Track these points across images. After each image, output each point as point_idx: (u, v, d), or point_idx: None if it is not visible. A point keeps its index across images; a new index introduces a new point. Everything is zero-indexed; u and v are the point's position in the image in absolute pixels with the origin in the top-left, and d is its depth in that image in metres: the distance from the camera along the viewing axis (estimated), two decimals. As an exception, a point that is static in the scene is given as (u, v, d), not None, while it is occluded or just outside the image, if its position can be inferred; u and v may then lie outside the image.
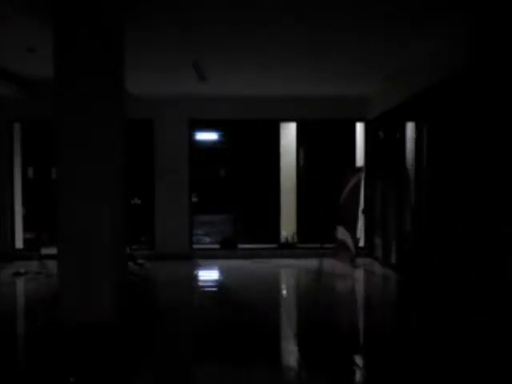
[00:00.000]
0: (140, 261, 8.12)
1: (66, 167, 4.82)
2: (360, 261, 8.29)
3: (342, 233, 8.53)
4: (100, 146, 4.80)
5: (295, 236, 9.56)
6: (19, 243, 9.18)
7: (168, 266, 8.41)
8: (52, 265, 6.82)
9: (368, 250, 9.06)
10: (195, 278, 7.83)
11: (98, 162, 4.80)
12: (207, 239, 11.43)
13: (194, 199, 9.67)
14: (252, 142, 10.00)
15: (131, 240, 7.76)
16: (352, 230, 8.21)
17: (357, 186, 8.36)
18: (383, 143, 8.51)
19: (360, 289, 7.44)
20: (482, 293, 4.37)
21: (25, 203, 9.33)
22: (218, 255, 9.24)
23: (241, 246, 9.53)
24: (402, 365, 4.04)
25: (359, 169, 8.69)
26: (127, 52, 5.24)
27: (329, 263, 8.35)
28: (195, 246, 9.56)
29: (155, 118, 9.10)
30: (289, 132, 9.66)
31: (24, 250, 9.08)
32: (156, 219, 9.16)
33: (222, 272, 8.21)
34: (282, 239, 9.55)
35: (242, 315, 5.41)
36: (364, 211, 8.81)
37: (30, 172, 9.75)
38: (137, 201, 9.74)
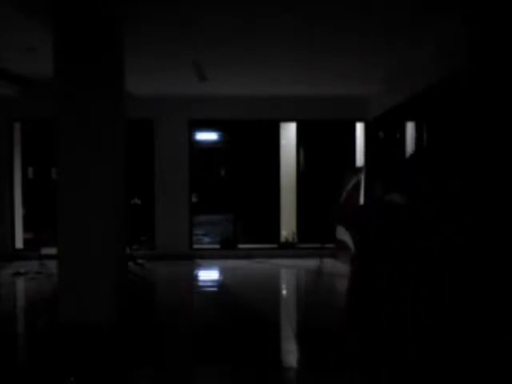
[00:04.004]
0: (140, 261, 8.12)
1: (66, 167, 4.83)
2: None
3: (341, 232, 8.53)
4: (100, 145, 4.81)
5: (295, 236, 9.56)
6: (19, 243, 9.18)
7: (168, 266, 8.42)
8: (52, 265, 6.83)
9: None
10: (195, 278, 7.84)
11: (98, 162, 4.81)
12: (207, 239, 11.44)
13: (194, 199, 9.67)
14: (252, 141, 10.00)
15: (131, 240, 7.77)
16: (352, 229, 8.20)
17: (357, 186, 8.36)
18: (383, 143, 8.51)
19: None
20: None
21: (25, 203, 9.33)
22: (217, 255, 9.24)
23: (241, 245, 9.53)
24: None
25: (359, 169, 8.69)
26: (127, 52, 5.24)
27: (329, 263, 8.36)
28: (195, 246, 9.56)
29: (155, 118, 9.10)
30: (289, 132, 9.66)
31: (24, 250, 9.09)
32: (156, 219, 9.16)
33: (221, 272, 8.22)
34: (282, 239, 9.55)
35: (242, 316, 5.42)
36: (364, 211, 8.80)
37: (30, 172, 9.76)
38: (137, 201, 9.74)
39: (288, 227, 9.60)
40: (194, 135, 9.71)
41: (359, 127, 9.56)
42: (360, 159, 9.46)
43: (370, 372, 1.96)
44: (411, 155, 6.95)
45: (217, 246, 9.75)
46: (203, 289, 7.34)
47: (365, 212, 2.00)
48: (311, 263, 8.45)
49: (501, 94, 4.54)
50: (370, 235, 1.98)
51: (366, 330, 1.85)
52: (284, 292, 7.19)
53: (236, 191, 9.77)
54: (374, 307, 1.82)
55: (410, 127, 7.06)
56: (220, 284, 7.53)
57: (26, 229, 9.38)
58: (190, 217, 9.28)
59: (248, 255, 9.15)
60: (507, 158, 4.45)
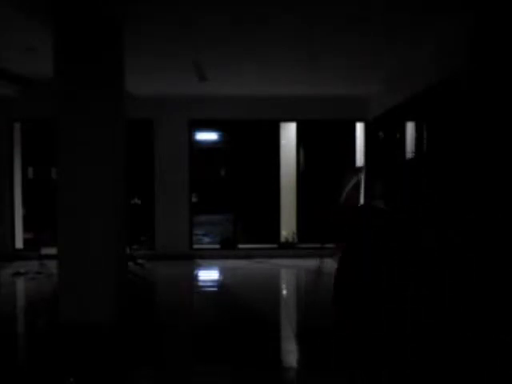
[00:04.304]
0: (140, 261, 8.13)
1: (66, 167, 4.83)
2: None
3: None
4: (100, 145, 4.81)
5: (295, 236, 9.56)
6: (19, 243, 9.18)
7: (168, 266, 8.42)
8: (52, 265, 6.83)
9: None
10: (195, 278, 7.84)
11: (98, 162, 4.81)
12: (207, 239, 11.44)
13: (194, 199, 9.67)
14: (252, 141, 10.00)
15: (131, 240, 7.77)
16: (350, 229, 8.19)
17: (356, 186, 8.37)
18: (383, 143, 8.51)
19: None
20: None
21: (25, 203, 9.33)
22: (217, 255, 9.24)
23: (241, 245, 9.53)
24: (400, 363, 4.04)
25: (359, 169, 8.69)
26: (127, 52, 5.24)
27: (329, 263, 8.35)
28: (195, 246, 9.56)
29: (155, 118, 9.10)
30: (289, 132, 9.66)
31: (24, 250, 9.09)
32: (156, 219, 9.16)
33: (221, 272, 8.22)
34: (282, 239, 9.55)
35: (242, 316, 5.42)
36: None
37: (30, 172, 9.76)
38: (137, 201, 9.74)
39: (288, 227, 9.60)
40: (193, 135, 9.71)
41: (359, 127, 9.56)
42: (360, 159, 9.46)
43: (370, 372, 1.96)
44: (411, 159, 6.94)
45: (217, 246, 9.75)
46: (203, 289, 7.33)
47: (363, 213, 1.97)
48: (311, 263, 8.45)
49: (501, 93, 4.54)
50: (370, 235, 1.97)
51: (363, 329, 1.84)
52: (284, 292, 7.19)
53: (236, 191, 9.77)
54: (374, 307, 1.81)
55: (410, 127, 7.06)
56: (220, 284, 7.53)
57: (26, 229, 9.38)
58: (190, 217, 9.28)
59: (248, 255, 9.15)
60: (507, 158, 4.45)
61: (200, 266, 8.55)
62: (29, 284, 7.03)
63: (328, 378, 3.75)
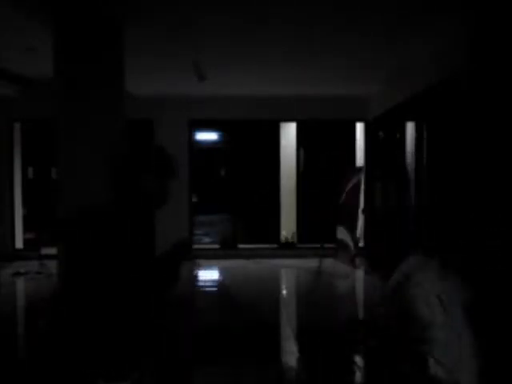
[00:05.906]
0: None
1: (66, 167, 4.82)
2: (360, 261, 8.30)
3: (342, 233, 8.54)
4: (100, 145, 4.80)
5: (295, 236, 9.55)
6: (19, 243, 9.18)
7: (168, 266, 8.40)
8: (52, 265, 6.83)
9: (368, 250, 9.05)
10: (195, 278, 7.84)
11: (97, 162, 4.80)
12: (207, 239, 11.43)
13: (194, 199, 9.67)
14: (252, 142, 10.00)
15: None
16: (352, 230, 8.21)
17: (357, 186, 8.36)
18: (383, 143, 8.51)
19: (360, 289, 7.45)
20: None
21: (25, 203, 9.33)
22: (217, 255, 9.24)
23: (241, 245, 9.53)
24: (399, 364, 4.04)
25: (359, 169, 8.70)
26: (127, 52, 5.24)
27: (329, 263, 8.35)
28: (195, 246, 9.55)
29: (155, 118, 9.10)
30: (289, 132, 9.66)
31: (24, 250, 9.08)
32: (156, 219, 9.13)
33: (221, 272, 8.22)
34: (282, 239, 9.55)
35: (242, 316, 5.42)
36: (364, 211, 8.81)
37: (30, 172, 9.75)
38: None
39: (288, 227, 9.60)
40: (194, 135, 9.71)
41: (359, 127, 9.56)
42: (360, 159, 9.46)
43: None
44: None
45: (217, 246, 9.75)
46: (203, 289, 7.33)
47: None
48: (311, 263, 8.44)
49: (501, 93, 4.54)
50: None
51: None
52: (284, 292, 7.19)
53: (236, 191, 9.77)
54: None
55: (410, 127, 7.06)
56: (220, 284, 7.53)
57: (26, 229, 9.38)
58: (190, 217, 9.28)
59: (248, 255, 9.14)
60: (507, 157, 4.45)
61: (200, 266, 8.54)
62: (29, 284, 7.03)
63: (326, 377, 3.75)
